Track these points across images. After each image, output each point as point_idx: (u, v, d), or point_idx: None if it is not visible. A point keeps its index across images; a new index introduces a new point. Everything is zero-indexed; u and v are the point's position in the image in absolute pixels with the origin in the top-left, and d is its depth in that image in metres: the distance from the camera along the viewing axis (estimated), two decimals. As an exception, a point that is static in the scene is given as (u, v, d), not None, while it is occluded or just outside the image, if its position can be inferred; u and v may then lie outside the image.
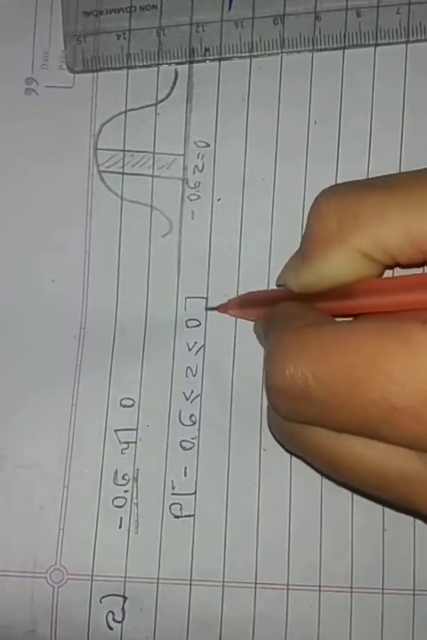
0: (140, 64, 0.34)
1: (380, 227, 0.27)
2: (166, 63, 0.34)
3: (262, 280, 0.34)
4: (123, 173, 0.34)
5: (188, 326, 0.34)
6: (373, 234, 0.28)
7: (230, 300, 0.34)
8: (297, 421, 0.29)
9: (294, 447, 0.31)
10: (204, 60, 0.34)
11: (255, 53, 0.34)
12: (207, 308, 0.34)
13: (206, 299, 0.34)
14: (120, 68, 0.34)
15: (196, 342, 0.34)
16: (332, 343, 0.26)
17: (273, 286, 0.34)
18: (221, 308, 0.34)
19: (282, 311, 0.30)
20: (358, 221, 0.28)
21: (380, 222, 0.27)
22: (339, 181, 0.34)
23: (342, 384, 0.26)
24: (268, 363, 0.28)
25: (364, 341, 0.26)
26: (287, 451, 0.33)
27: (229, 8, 0.34)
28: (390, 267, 0.29)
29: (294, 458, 0.34)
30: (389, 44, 0.34)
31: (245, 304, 0.33)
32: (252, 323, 0.34)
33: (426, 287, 0.28)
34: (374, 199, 0.28)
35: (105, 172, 0.34)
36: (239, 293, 0.34)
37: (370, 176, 0.34)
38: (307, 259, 0.29)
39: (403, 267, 0.29)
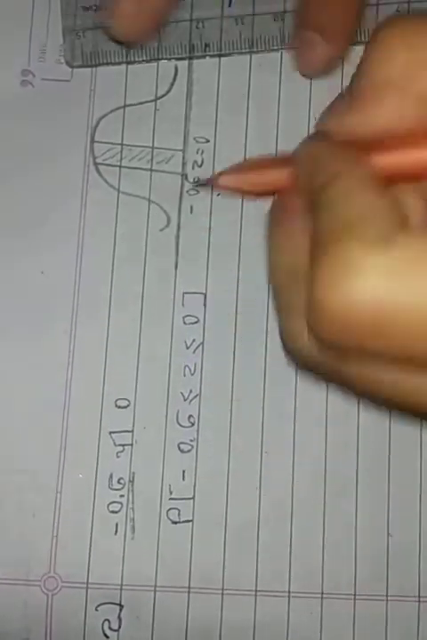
0: (140, 59, 0.34)
1: None
2: (166, 59, 0.34)
3: (262, 276, 0.33)
4: (120, 166, 0.34)
5: (185, 323, 0.33)
6: None
7: (221, 173, 0.26)
8: (353, 357, 0.22)
9: (333, 382, 0.25)
10: (204, 56, 0.34)
11: (255, 50, 0.34)
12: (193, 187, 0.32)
13: (205, 295, 0.34)
14: (119, 64, 0.34)
15: (194, 340, 0.33)
16: None
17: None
18: (211, 181, 0.26)
19: (339, 186, 0.22)
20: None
21: None
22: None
23: None
24: (321, 269, 0.21)
25: None
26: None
27: (230, 4, 0.34)
28: None
29: (296, 461, 0.33)
30: (387, 44, 0.34)
31: (239, 171, 0.26)
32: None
33: None
34: None
35: (102, 164, 0.34)
36: (239, 291, 0.33)
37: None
38: (358, 101, 0.24)
39: None
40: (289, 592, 0.32)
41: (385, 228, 0.21)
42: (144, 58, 0.34)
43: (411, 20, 0.25)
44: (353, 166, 0.23)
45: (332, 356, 0.23)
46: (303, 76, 0.34)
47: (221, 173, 0.25)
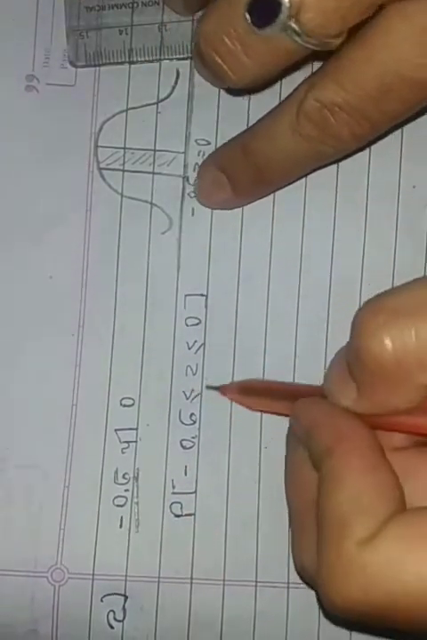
0: (142, 59, 0.34)
1: None
2: (168, 59, 0.34)
3: (263, 278, 0.34)
4: (123, 170, 0.34)
5: (187, 325, 0.34)
6: None
7: (231, 384, 0.33)
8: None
9: None
10: (205, 57, 0.34)
11: (256, 50, 0.34)
12: (207, 387, 0.34)
13: (206, 296, 0.34)
14: (122, 63, 0.34)
15: (196, 341, 0.34)
16: None
17: (274, 285, 0.34)
18: (222, 390, 0.33)
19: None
20: (422, 363, 0.25)
21: None
22: (339, 176, 0.34)
23: None
24: (323, 569, 0.25)
25: None
26: None
27: (231, 5, 0.33)
28: None
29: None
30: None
31: (246, 391, 0.33)
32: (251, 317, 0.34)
33: None
34: None
35: (105, 169, 0.34)
36: (239, 293, 0.34)
37: (370, 172, 0.34)
38: (365, 392, 0.27)
39: None
40: (288, 583, 0.34)
41: (374, 520, 0.24)
42: (146, 58, 0.34)
43: (391, 318, 0.25)
44: (352, 440, 0.26)
45: None
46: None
47: (230, 388, 0.33)
